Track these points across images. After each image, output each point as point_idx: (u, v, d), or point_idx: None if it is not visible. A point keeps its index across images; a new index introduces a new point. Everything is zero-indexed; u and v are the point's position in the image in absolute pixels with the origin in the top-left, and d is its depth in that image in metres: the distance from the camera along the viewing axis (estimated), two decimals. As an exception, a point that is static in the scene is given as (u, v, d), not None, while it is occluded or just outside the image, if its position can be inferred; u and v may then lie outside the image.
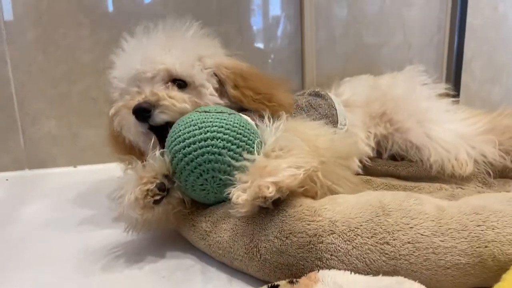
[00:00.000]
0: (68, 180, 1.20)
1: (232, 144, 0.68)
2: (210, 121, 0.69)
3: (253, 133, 0.72)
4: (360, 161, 1.01)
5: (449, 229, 0.59)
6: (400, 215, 0.61)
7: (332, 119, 1.00)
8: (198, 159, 0.67)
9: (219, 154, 0.67)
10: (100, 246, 0.77)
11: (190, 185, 0.69)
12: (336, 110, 1.03)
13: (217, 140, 0.67)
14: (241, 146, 0.68)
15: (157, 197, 0.68)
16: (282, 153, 0.66)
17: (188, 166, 0.68)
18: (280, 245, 0.61)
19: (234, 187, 0.64)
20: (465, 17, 1.35)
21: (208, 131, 0.68)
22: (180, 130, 0.70)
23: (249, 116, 0.79)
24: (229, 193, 0.64)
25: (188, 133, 0.69)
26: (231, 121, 0.70)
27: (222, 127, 0.68)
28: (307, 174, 0.64)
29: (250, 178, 0.63)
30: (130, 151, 0.87)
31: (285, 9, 1.29)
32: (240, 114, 0.77)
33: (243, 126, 0.71)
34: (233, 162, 0.67)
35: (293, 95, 1.01)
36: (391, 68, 1.31)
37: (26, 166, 1.25)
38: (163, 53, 0.82)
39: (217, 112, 0.72)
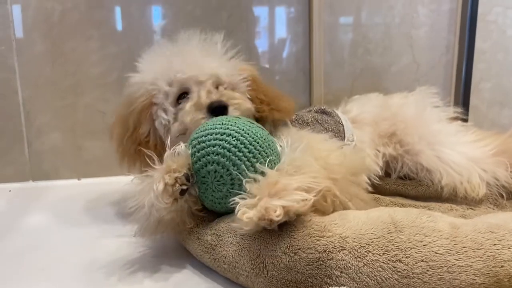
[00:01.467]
0: (71, 193, 1.18)
1: (245, 147, 0.67)
2: (235, 122, 0.71)
3: (271, 149, 0.71)
4: (369, 179, 1.00)
5: (464, 247, 0.57)
6: (413, 232, 0.59)
7: (338, 135, 0.99)
8: (208, 148, 0.68)
9: (229, 151, 0.67)
10: (102, 259, 0.75)
11: (195, 169, 0.69)
12: (343, 126, 1.02)
13: (232, 138, 0.68)
14: (252, 153, 0.67)
15: (184, 187, 0.67)
16: (294, 172, 0.65)
17: (197, 153, 0.69)
18: (288, 261, 0.59)
19: (241, 200, 0.62)
20: (473, 39, 1.35)
21: (228, 128, 0.69)
22: (208, 123, 0.72)
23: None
24: (233, 204, 0.63)
25: (211, 125, 0.71)
26: (255, 129, 0.71)
27: (243, 130, 0.69)
28: (317, 196, 0.63)
29: (258, 193, 0.61)
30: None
31: (293, 28, 1.29)
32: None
33: (264, 139, 0.71)
34: (239, 163, 0.66)
35: (298, 111, 1.02)
36: (398, 88, 1.31)
37: (30, 177, 1.23)
38: (207, 59, 0.86)
39: (247, 120, 0.74)
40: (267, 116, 0.89)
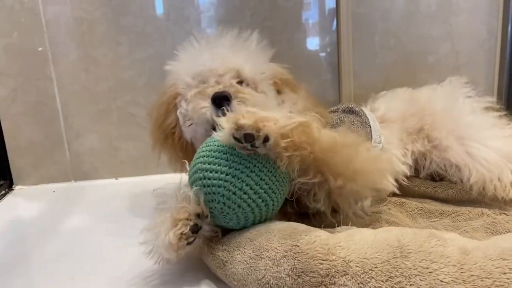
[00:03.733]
0: (109, 192, 1.25)
1: (251, 189, 0.67)
2: (240, 156, 0.68)
3: (277, 180, 0.70)
4: (396, 181, 0.97)
5: (472, 275, 0.54)
6: (419, 257, 0.57)
7: (365, 137, 0.97)
8: (213, 188, 0.68)
9: (234, 193, 0.67)
10: (127, 271, 0.78)
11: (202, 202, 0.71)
12: (370, 127, 0.99)
13: (237, 179, 0.67)
14: (258, 193, 0.68)
15: (191, 240, 0.69)
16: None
17: (203, 189, 0.69)
18: (292, 283, 0.60)
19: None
20: (518, 22, 1.25)
21: (233, 167, 0.67)
22: (211, 151, 0.70)
23: None
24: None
25: (215, 158, 0.69)
26: (260, 162, 0.68)
27: (249, 168, 0.67)
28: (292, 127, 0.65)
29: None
30: (182, 151, 0.90)
31: (321, 21, 1.26)
32: None
33: (270, 172, 0.69)
34: (244, 204, 0.67)
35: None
36: (437, 78, 1.24)
37: (72, 177, 1.31)
38: (233, 54, 0.86)
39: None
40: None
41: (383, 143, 0.98)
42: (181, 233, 0.67)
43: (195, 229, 0.69)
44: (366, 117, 1.01)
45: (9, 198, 1.24)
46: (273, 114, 0.67)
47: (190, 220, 0.69)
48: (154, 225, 0.70)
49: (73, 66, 1.23)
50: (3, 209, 1.17)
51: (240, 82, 0.86)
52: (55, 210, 1.14)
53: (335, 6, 1.24)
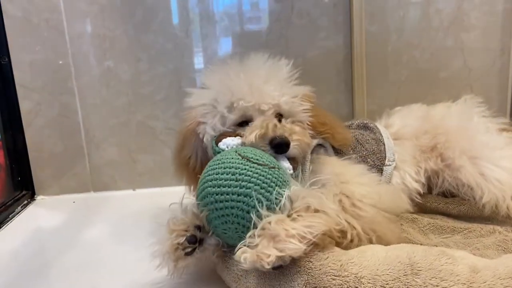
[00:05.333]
0: (128, 202, 1.29)
1: (263, 205, 0.68)
2: (249, 175, 0.70)
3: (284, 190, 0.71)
4: (410, 199, 0.99)
5: (481, 294, 0.56)
6: (430, 275, 0.59)
7: (379, 155, 0.98)
8: (226, 210, 0.69)
9: (247, 212, 0.68)
10: (142, 282, 0.81)
11: (213, 225, 0.72)
12: (384, 145, 1.00)
13: (250, 198, 0.68)
14: (270, 208, 0.68)
15: (188, 250, 0.71)
16: (298, 216, 0.66)
17: (216, 212, 0.70)
18: (305, 299, 0.62)
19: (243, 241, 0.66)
20: (532, 38, 1.26)
21: (244, 186, 0.69)
22: (218, 173, 0.71)
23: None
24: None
25: (224, 180, 0.70)
26: (269, 178, 0.70)
27: (258, 185, 0.69)
28: (312, 242, 0.64)
29: (259, 234, 0.64)
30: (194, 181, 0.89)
31: (334, 38, 1.28)
32: (279, 166, 0.76)
33: (278, 186, 0.70)
34: (258, 220, 0.68)
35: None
36: (449, 94, 1.26)
37: (91, 188, 1.35)
38: (271, 87, 0.85)
39: (259, 164, 0.72)
40: (328, 139, 0.91)
41: (396, 161, 1.00)
42: (178, 243, 0.70)
43: (192, 240, 0.71)
44: (381, 134, 1.03)
45: (31, 208, 1.28)
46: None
47: (188, 231, 0.72)
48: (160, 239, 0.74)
49: (95, 81, 1.28)
50: (25, 218, 1.21)
51: (280, 115, 0.86)
52: (75, 220, 1.18)
53: (349, 25, 1.27)
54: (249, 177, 0.69)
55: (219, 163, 0.73)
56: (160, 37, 1.26)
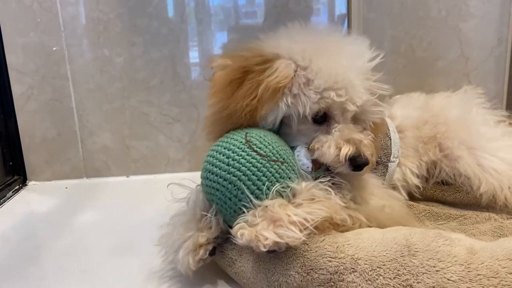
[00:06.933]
0: (121, 189, 1.28)
1: (246, 197, 0.66)
2: (241, 163, 0.67)
3: (286, 173, 0.69)
4: (407, 193, 0.99)
5: (478, 275, 0.56)
6: (427, 256, 0.58)
7: (386, 151, 0.95)
8: (213, 189, 0.68)
9: (229, 199, 0.67)
10: (139, 265, 0.80)
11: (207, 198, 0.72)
12: (390, 140, 0.97)
13: (233, 186, 0.66)
14: (253, 203, 0.66)
15: (208, 260, 0.70)
16: (307, 202, 0.65)
17: (205, 188, 0.70)
18: (301, 280, 0.61)
19: (244, 216, 0.65)
20: (530, 29, 1.26)
21: (231, 173, 0.66)
22: (217, 151, 0.69)
23: None
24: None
25: (218, 160, 0.68)
26: (261, 171, 0.66)
27: (246, 175, 0.66)
28: (310, 231, 0.62)
29: (261, 215, 0.63)
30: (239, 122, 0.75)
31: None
32: (289, 161, 0.70)
33: (271, 182, 0.66)
34: (240, 211, 0.67)
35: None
36: (446, 83, 1.26)
37: (84, 175, 1.34)
38: (360, 82, 0.72)
39: (259, 154, 0.67)
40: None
41: (399, 158, 0.97)
42: (200, 259, 0.69)
43: (213, 252, 0.71)
44: (387, 128, 0.98)
45: (22, 193, 1.27)
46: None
47: (210, 244, 0.70)
48: (173, 234, 0.72)
49: (89, 65, 1.26)
50: (17, 203, 1.20)
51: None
52: (67, 206, 1.16)
53: (346, 11, 1.26)
54: (240, 165, 0.66)
55: (225, 140, 0.71)
56: (155, 21, 1.24)
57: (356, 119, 0.76)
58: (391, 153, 0.96)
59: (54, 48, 1.24)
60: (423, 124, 1.01)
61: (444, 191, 0.99)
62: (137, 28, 1.24)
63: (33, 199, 1.23)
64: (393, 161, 0.96)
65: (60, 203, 1.18)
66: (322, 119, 0.74)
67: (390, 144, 0.96)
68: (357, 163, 0.70)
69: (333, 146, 0.71)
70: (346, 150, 0.70)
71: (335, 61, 0.72)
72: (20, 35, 1.23)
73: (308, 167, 0.72)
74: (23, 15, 1.22)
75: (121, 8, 1.22)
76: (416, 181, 0.98)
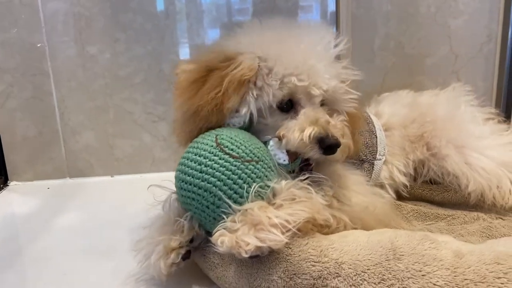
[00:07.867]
0: (105, 189, 1.25)
1: (224, 203, 0.63)
2: (214, 168, 0.64)
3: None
4: (396, 191, 0.97)
5: (465, 279, 0.54)
6: (412, 260, 0.57)
7: (372, 149, 0.94)
8: (188, 199, 0.66)
9: (207, 207, 0.65)
10: (121, 269, 0.77)
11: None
12: (376, 137, 0.96)
13: (209, 193, 0.64)
14: (231, 208, 0.63)
15: (182, 264, 0.68)
16: (288, 202, 0.63)
17: (181, 198, 0.68)
18: (284, 286, 0.59)
19: (223, 222, 0.62)
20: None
21: (205, 180, 0.64)
22: (188, 159, 0.66)
23: None
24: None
25: (190, 168, 0.65)
26: (237, 174, 0.64)
27: (222, 180, 0.63)
28: (292, 232, 0.60)
29: (240, 220, 0.61)
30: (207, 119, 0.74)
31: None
32: (263, 159, 0.67)
33: (247, 183, 0.64)
34: (219, 218, 0.64)
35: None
36: (435, 80, 1.25)
37: (67, 174, 1.31)
38: (324, 68, 0.71)
39: (231, 156, 0.65)
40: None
41: (386, 156, 0.96)
42: (173, 263, 0.67)
43: (187, 256, 0.69)
44: (373, 125, 0.98)
45: (3, 194, 1.24)
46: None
47: (182, 247, 0.68)
48: (147, 240, 0.70)
49: (70, 62, 1.23)
50: (-3, 204, 1.16)
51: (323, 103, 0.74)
52: (50, 207, 1.13)
53: (335, 9, 1.24)
54: (213, 171, 0.64)
55: (195, 146, 0.68)
56: (139, 16, 1.21)
57: (329, 110, 0.75)
58: (377, 151, 0.95)
59: (38, 45, 1.21)
60: (410, 122, 1.00)
61: (432, 190, 0.98)
62: (120, 23, 1.21)
63: (15, 200, 1.21)
64: (379, 159, 0.95)
65: (42, 204, 1.16)
66: (289, 107, 0.73)
67: (376, 142, 0.95)
68: (325, 144, 0.67)
69: (297, 129, 0.69)
70: (310, 130, 0.68)
71: (295, 48, 0.72)
72: (0, 31, 1.20)
73: (284, 160, 0.69)
74: (2, 11, 1.19)
75: (104, 3, 1.19)
76: (403, 179, 0.97)
